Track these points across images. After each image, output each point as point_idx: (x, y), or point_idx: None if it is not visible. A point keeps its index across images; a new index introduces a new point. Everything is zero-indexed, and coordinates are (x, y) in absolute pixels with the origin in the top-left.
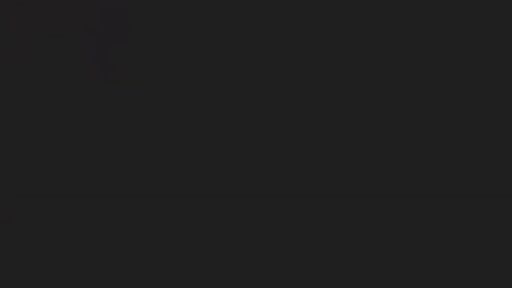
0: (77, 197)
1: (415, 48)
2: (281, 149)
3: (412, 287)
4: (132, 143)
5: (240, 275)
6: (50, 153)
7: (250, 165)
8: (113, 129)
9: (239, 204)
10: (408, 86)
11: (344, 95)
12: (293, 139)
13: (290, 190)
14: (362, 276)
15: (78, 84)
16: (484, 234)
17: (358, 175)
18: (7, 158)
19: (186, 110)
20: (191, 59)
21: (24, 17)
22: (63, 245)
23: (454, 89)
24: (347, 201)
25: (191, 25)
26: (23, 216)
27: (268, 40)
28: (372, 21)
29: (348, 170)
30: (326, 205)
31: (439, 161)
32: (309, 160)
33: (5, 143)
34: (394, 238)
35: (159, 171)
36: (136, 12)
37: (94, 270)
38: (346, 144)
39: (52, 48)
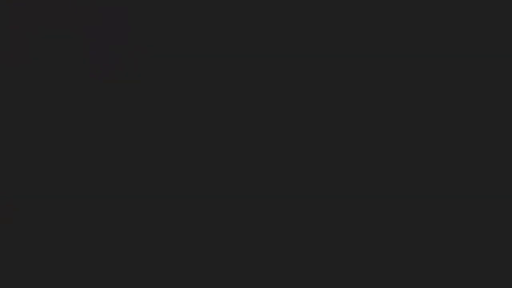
0: (77, 197)
1: (415, 48)
2: (281, 149)
3: (412, 287)
4: (132, 143)
5: (240, 275)
6: (50, 153)
7: (250, 165)
8: (113, 129)
9: (239, 204)
10: (408, 86)
11: (344, 95)
12: (293, 139)
13: (290, 190)
14: (362, 276)
15: (78, 84)
16: (484, 234)
17: (358, 175)
18: (7, 158)
19: (186, 110)
20: (191, 59)
21: (24, 17)
22: (63, 245)
23: (454, 89)
24: (347, 201)
25: (191, 25)
26: (23, 216)
27: (268, 40)
28: (372, 21)
29: (348, 170)
30: (326, 205)
31: (439, 161)
32: (309, 160)
33: (5, 143)
34: (394, 238)
35: (159, 171)
36: (136, 12)
37: (94, 270)
38: (346, 144)
39: (52, 48)
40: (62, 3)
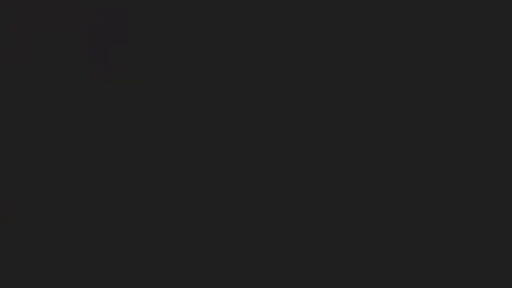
0: (77, 197)
1: (415, 48)
2: (281, 149)
3: (412, 287)
4: (132, 143)
5: (240, 275)
6: (50, 153)
7: (250, 165)
8: (113, 129)
9: (239, 204)
10: (408, 86)
11: (344, 95)
12: (293, 139)
13: (290, 190)
14: (362, 276)
15: (78, 84)
16: (484, 234)
17: (358, 175)
18: (7, 158)
19: (186, 110)
20: (191, 59)
21: (24, 17)
22: (63, 245)
23: (454, 89)
24: (347, 201)
25: (191, 25)
26: (23, 216)
27: (268, 40)
28: (372, 21)
29: (348, 170)
30: (326, 205)
31: (439, 161)
32: (309, 160)
33: (5, 143)
34: (394, 238)
35: (159, 171)
36: (136, 12)
37: (94, 270)
38: (346, 144)
39: (52, 48)
40: (62, 3)
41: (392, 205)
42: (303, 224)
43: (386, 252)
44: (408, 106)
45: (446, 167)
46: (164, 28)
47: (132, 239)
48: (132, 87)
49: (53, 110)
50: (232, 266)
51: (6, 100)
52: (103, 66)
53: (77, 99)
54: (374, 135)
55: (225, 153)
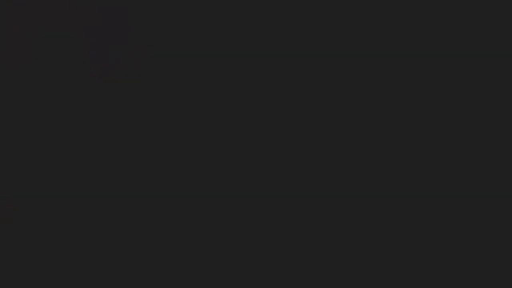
0: (77, 197)
1: (415, 48)
2: (281, 149)
3: (412, 287)
4: (132, 143)
5: (240, 275)
6: (50, 153)
7: (250, 165)
8: (113, 129)
9: (239, 204)
10: (408, 86)
11: (344, 95)
12: (293, 139)
13: (290, 190)
14: (362, 276)
15: (78, 84)
16: (484, 234)
17: (358, 175)
18: (7, 158)
19: (186, 110)
20: (191, 59)
21: (24, 17)
22: (63, 245)
23: (454, 89)
24: (347, 201)
25: (191, 25)
26: (23, 216)
27: (268, 40)
28: (372, 21)
29: (348, 170)
30: (326, 205)
31: (439, 161)
32: (309, 160)
33: (5, 143)
34: (394, 238)
35: (159, 171)
36: (136, 12)
37: (94, 270)
38: (346, 144)
39: (52, 48)
40: (62, 3)
41: (392, 205)
42: (303, 224)
43: (386, 252)
44: (408, 106)
45: (446, 167)
46: (164, 28)
47: (132, 239)
48: (132, 87)
49: (53, 110)
50: (232, 266)
51: (6, 100)
52: (103, 66)
53: (77, 99)
54: (374, 135)
55: (225, 153)
